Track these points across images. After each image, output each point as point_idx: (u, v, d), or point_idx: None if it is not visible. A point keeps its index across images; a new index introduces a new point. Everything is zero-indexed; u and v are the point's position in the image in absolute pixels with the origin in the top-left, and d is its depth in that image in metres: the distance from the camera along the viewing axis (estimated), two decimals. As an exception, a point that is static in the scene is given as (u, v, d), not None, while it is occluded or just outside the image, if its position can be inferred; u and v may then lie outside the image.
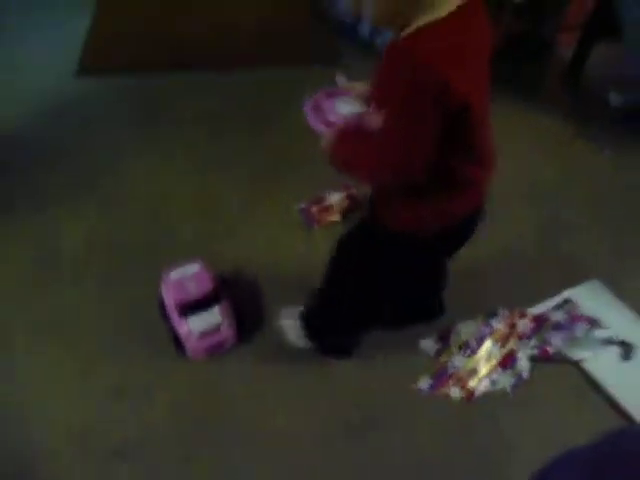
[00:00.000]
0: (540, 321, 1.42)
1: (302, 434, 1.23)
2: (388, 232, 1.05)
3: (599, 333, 1.39)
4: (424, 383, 1.31)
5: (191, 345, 1.30)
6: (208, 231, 1.64)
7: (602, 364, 1.35)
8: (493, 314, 1.43)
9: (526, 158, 1.96)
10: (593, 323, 1.41)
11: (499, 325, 1.40)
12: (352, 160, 0.97)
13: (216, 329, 1.31)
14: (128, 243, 1.60)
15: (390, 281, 1.18)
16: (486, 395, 1.30)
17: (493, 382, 1.31)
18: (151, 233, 1.62)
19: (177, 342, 1.32)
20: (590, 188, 1.86)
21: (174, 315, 1.30)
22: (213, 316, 1.30)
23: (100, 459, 1.18)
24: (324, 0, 2.61)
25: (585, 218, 1.75)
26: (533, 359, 1.35)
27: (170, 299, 1.31)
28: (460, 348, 1.37)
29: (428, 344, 1.39)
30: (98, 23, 2.43)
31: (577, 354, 1.35)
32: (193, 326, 1.29)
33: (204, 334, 1.29)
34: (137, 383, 1.30)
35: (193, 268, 1.35)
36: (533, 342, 1.38)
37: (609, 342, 1.37)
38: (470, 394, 1.29)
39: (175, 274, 1.34)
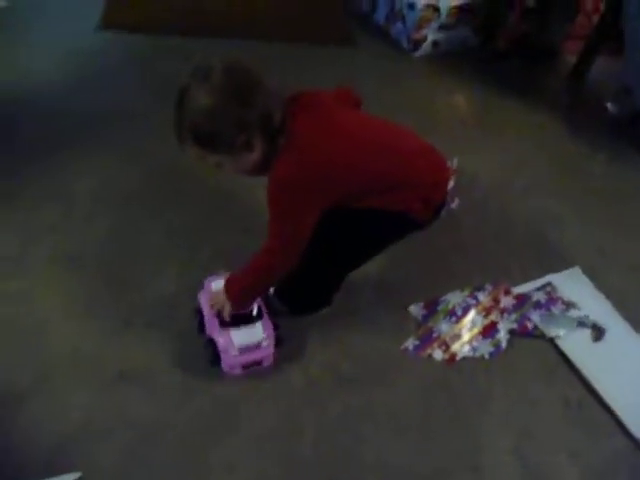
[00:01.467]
0: (522, 299, 1.52)
1: (291, 375, 1.32)
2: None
3: (574, 313, 1.50)
4: (410, 344, 1.41)
5: (229, 359, 1.25)
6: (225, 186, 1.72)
7: (574, 343, 1.45)
8: (480, 288, 1.54)
9: (522, 154, 2.07)
10: (569, 305, 1.52)
11: (484, 298, 1.51)
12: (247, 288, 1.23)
13: (257, 346, 1.25)
14: (138, 192, 1.67)
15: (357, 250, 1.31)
16: (466, 359, 1.40)
17: (474, 349, 1.42)
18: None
19: (213, 355, 1.26)
20: (581, 187, 1.97)
21: (214, 325, 1.25)
22: (255, 332, 1.24)
23: (106, 380, 1.27)
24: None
25: (573, 214, 1.86)
26: (512, 332, 1.46)
27: (210, 309, 1.27)
28: (446, 315, 1.47)
29: (416, 309, 1.48)
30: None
31: (552, 331, 1.46)
32: (234, 339, 1.23)
33: (244, 349, 1.24)
34: (145, 319, 1.38)
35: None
36: (514, 317, 1.48)
37: (582, 323, 1.48)
38: (452, 357, 1.39)
39: (216, 284, 1.28)
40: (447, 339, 1.42)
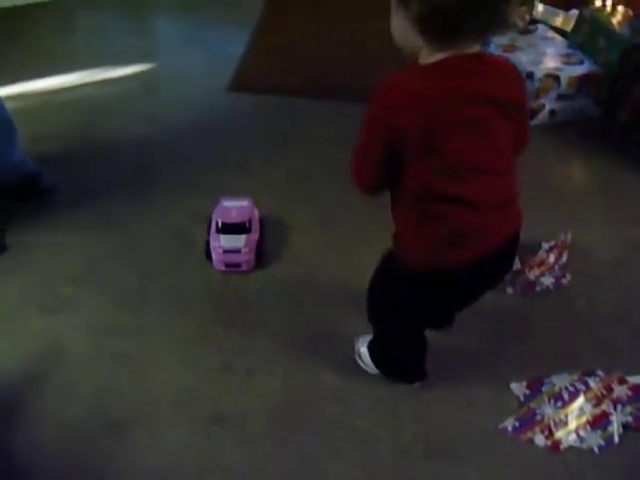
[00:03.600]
0: (638, 391, 1.39)
1: (382, 441, 1.30)
2: (396, 261, 1.12)
3: (703, 414, 1.34)
4: (509, 424, 1.33)
5: (216, 256, 1.62)
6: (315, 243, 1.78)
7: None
8: (591, 373, 1.43)
9: (630, 227, 1.93)
10: (697, 404, 1.36)
11: (595, 385, 1.39)
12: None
13: (237, 250, 1.62)
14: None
15: (410, 311, 1.21)
16: (572, 449, 1.29)
17: (581, 439, 1.31)
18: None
19: (208, 252, 1.65)
20: None
21: (213, 230, 1.65)
22: (238, 240, 1.62)
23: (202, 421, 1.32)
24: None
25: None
26: (626, 426, 1.33)
27: (215, 217, 1.66)
28: (551, 398, 1.37)
29: (518, 388, 1.41)
30: (252, 49, 2.72)
31: (675, 431, 1.32)
32: (222, 242, 1.61)
33: (227, 251, 1.62)
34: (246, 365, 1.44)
35: (243, 202, 1.71)
36: (628, 409, 1.35)
37: None
38: (556, 445, 1.29)
39: (227, 202, 1.70)
40: (551, 424, 1.33)
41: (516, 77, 1.00)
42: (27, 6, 2.92)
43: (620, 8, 2.42)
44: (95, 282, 1.62)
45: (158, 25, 3.07)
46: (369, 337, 1.41)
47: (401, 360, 1.38)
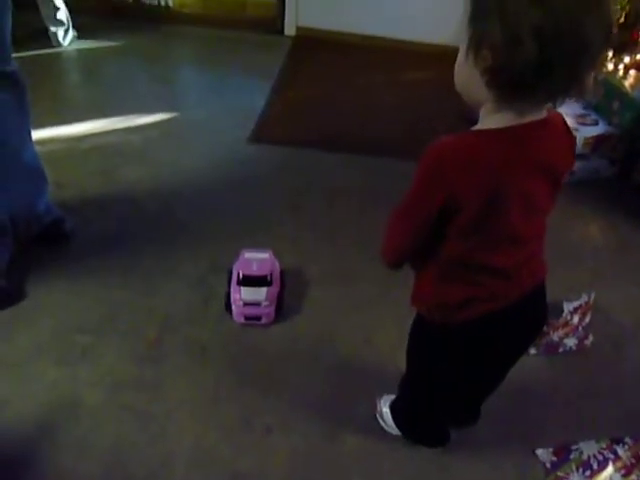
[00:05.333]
0: (669, 461, 1.35)
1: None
2: (423, 321, 1.09)
3: None
4: (537, 493, 1.29)
5: (236, 309, 1.62)
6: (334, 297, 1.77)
7: None
8: (619, 441, 1.39)
9: None
10: None
11: (624, 454, 1.36)
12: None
13: (257, 303, 1.61)
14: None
15: (442, 374, 1.14)
16: (602, 522, 1.25)
17: (611, 510, 1.26)
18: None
19: (228, 304, 1.64)
20: None
21: (234, 282, 1.64)
22: (259, 293, 1.61)
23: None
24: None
25: None
26: (657, 498, 1.29)
27: (236, 269, 1.65)
28: (579, 466, 1.33)
29: (545, 454, 1.37)
30: (272, 102, 2.79)
31: None
32: (243, 294, 1.61)
33: (247, 303, 1.61)
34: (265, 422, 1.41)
35: (264, 254, 1.71)
36: (660, 480, 1.31)
37: None
38: (585, 516, 1.25)
39: (248, 254, 1.70)
40: (580, 495, 1.29)
41: (570, 143, 0.97)
42: (54, 53, 3.01)
43: (632, 72, 2.49)
44: (113, 332, 1.61)
45: (181, 76, 3.15)
46: (392, 397, 1.38)
47: (425, 423, 1.34)
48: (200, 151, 2.40)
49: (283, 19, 3.40)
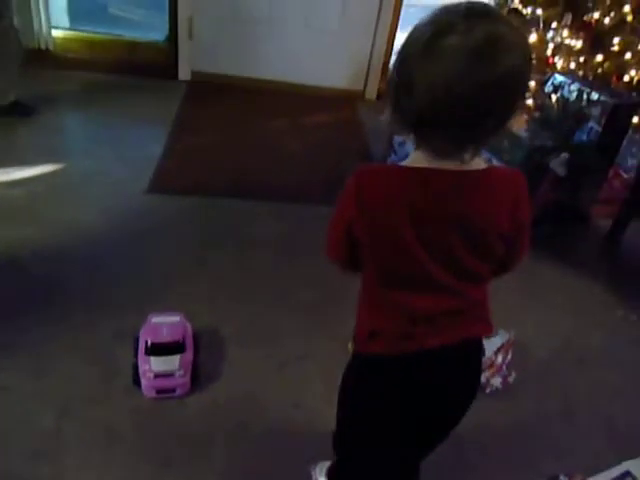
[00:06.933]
0: (603, 493, 1.37)
1: None
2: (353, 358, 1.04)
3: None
4: None
5: (146, 382, 1.45)
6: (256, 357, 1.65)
7: None
8: (554, 478, 1.39)
9: (567, 321, 2.00)
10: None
11: (562, 493, 1.36)
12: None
13: (170, 374, 1.45)
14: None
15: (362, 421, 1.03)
16: None
17: None
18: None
19: (136, 377, 1.47)
20: (635, 358, 1.89)
21: (141, 351, 1.48)
22: (172, 362, 1.46)
23: None
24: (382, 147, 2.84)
25: (632, 387, 1.76)
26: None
27: (143, 337, 1.49)
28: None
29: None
30: (171, 149, 2.65)
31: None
32: (153, 365, 1.45)
33: (158, 375, 1.45)
34: None
35: (174, 317, 1.55)
36: (597, 516, 1.32)
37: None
38: None
39: (156, 318, 1.54)
40: None
41: (512, 208, 0.86)
42: None
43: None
44: (-2, 425, 1.37)
45: (67, 125, 2.92)
46: (327, 463, 1.28)
47: None
48: (93, 205, 2.20)
49: (177, 63, 3.29)
